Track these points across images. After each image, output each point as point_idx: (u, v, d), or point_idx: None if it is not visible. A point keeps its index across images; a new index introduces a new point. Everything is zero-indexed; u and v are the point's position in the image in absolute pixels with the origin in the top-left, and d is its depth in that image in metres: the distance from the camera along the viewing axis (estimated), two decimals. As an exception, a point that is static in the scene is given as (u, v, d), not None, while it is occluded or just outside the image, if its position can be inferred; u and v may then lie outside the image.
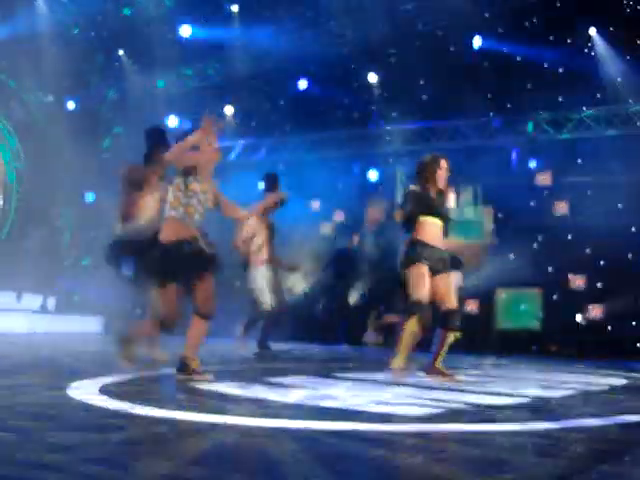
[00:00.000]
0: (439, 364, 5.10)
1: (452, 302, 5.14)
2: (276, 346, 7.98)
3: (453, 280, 5.29)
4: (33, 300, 12.85)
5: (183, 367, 4.47)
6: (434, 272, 5.09)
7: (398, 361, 4.89)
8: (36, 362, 5.69)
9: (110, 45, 14.03)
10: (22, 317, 11.84)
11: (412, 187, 5.33)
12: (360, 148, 13.40)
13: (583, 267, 11.40)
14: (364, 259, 11.28)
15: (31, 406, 3.06)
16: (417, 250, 5.06)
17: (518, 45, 11.47)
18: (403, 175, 12.91)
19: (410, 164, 13.19)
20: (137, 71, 14.23)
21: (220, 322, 7.52)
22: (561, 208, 11.54)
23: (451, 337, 5.10)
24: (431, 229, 5.18)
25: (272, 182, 7.82)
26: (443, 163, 5.38)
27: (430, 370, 5.10)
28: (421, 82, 12.33)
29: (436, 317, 5.14)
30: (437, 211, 5.22)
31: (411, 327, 4.86)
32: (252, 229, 7.40)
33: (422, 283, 4.98)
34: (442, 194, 5.37)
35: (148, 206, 5.45)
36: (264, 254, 7.48)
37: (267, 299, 7.36)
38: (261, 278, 7.42)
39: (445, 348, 5.10)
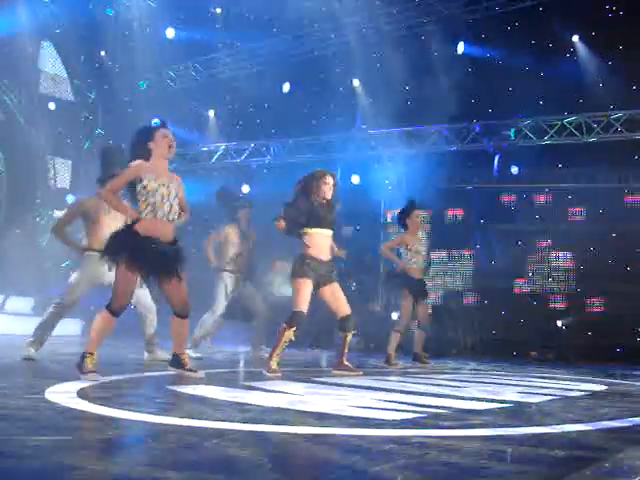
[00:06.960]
0: (345, 361, 5.87)
1: (344, 310, 5.79)
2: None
3: (338, 288, 5.80)
4: (16, 302, 12.71)
5: (177, 363, 4.94)
6: (320, 284, 5.66)
7: (274, 363, 5.45)
8: (14, 365, 5.61)
9: (92, 46, 13.92)
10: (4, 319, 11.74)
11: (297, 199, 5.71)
12: (343, 152, 13.39)
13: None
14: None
15: (8, 409, 3.00)
16: (305, 265, 5.55)
17: (500, 50, 11.54)
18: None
19: (393, 169, 13.27)
20: (119, 72, 14.12)
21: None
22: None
23: (349, 337, 5.85)
24: (319, 241, 5.65)
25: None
26: (329, 179, 5.81)
27: (338, 367, 5.84)
28: (405, 87, 12.37)
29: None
30: (326, 223, 5.69)
31: (289, 335, 5.47)
32: (225, 239, 7.85)
33: (305, 296, 5.52)
34: (329, 205, 5.78)
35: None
36: (235, 265, 7.79)
37: (219, 308, 7.69)
38: (222, 289, 7.70)
39: (347, 348, 5.89)
